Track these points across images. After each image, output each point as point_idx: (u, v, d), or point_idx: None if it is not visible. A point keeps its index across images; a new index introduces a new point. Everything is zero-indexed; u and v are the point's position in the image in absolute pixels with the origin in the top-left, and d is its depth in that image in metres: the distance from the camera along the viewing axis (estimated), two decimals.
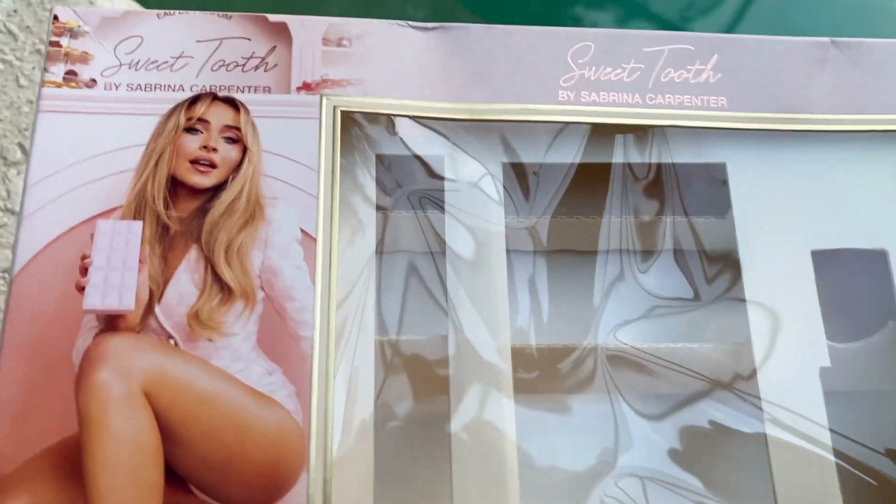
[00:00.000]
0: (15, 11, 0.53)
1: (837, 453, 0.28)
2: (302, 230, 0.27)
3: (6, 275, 0.26)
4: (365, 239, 0.29)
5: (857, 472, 0.28)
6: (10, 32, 0.53)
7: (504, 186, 0.31)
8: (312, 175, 0.28)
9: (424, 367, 0.29)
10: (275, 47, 0.30)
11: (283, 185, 0.28)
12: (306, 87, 0.29)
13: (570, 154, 0.31)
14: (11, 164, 0.50)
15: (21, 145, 0.51)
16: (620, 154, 0.31)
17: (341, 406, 0.27)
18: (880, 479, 0.29)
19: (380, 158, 0.30)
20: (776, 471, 0.28)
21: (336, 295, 0.27)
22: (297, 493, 0.25)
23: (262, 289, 0.26)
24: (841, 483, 0.28)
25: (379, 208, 0.30)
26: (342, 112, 0.29)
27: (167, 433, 0.25)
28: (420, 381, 0.29)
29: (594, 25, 0.57)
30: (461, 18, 0.52)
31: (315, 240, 0.27)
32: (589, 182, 0.31)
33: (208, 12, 0.30)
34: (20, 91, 0.52)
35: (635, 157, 0.31)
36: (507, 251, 0.30)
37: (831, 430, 0.28)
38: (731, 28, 0.55)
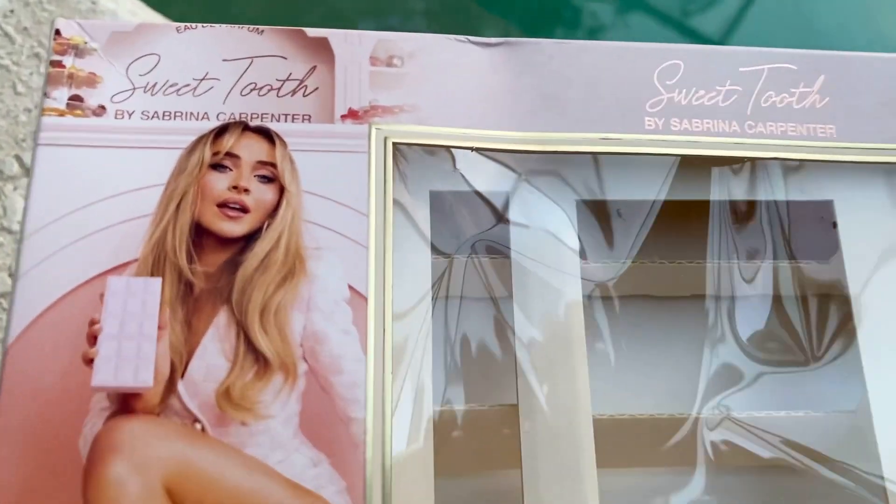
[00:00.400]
0: (11, 12, 0.49)
1: None
2: (350, 287, 0.23)
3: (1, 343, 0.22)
4: (420, 292, 0.25)
5: None
6: (6, 35, 0.48)
7: (578, 226, 0.27)
8: (362, 220, 0.23)
9: (492, 439, 0.24)
10: (314, 67, 0.25)
11: (327, 233, 0.23)
12: (352, 115, 0.25)
13: (654, 190, 0.27)
14: (8, 179, 0.46)
15: (18, 158, 0.47)
16: (717, 190, 0.27)
17: (402, 500, 0.22)
18: None
19: (436, 196, 0.26)
20: None
21: (390, 366, 0.23)
22: None
23: (305, 360, 0.22)
24: None
25: (436, 253, 0.26)
26: (394, 144, 0.25)
27: None
28: (487, 456, 0.24)
29: (593, 16, 0.53)
30: (466, 8, 0.48)
31: (366, 299, 0.23)
32: (677, 222, 0.27)
33: (237, 26, 0.25)
34: (17, 98, 0.48)
35: (731, 193, 0.27)
36: (585, 299, 0.26)
37: None
38: (735, 22, 0.52)
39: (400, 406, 0.23)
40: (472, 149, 0.25)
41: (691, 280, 0.27)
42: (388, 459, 0.22)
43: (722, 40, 0.52)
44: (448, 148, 0.25)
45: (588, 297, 0.27)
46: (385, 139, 0.25)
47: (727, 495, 0.25)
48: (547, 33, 0.49)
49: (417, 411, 0.24)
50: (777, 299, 0.27)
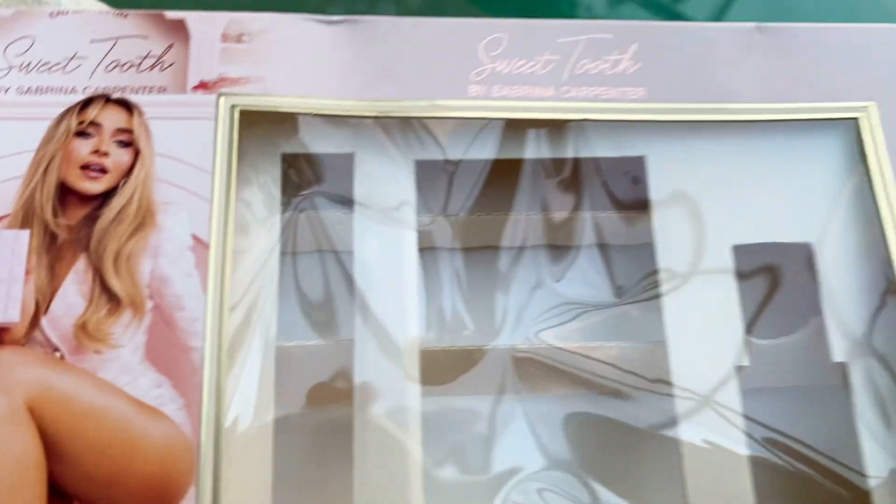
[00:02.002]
0: None
1: (752, 453, 0.28)
2: (195, 236, 0.26)
3: None
4: (267, 242, 0.28)
5: (772, 470, 0.28)
6: None
7: (417, 184, 0.30)
8: (207, 178, 0.27)
9: (328, 372, 0.28)
10: (171, 45, 0.29)
11: (176, 190, 0.27)
12: (203, 86, 0.28)
13: (487, 150, 0.30)
14: None
15: None
16: (533, 149, 0.30)
17: (237, 417, 0.26)
18: (795, 478, 0.28)
19: (286, 158, 0.30)
20: (688, 471, 0.27)
21: (229, 303, 0.26)
22: None
23: (152, 298, 0.26)
24: (754, 483, 0.27)
25: (284, 209, 0.29)
26: (243, 111, 0.28)
27: (51, 450, 0.24)
28: (323, 388, 0.28)
29: (588, 9, 0.56)
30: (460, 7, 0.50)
31: (207, 246, 0.26)
32: (503, 179, 0.30)
33: (104, 11, 0.29)
34: None
35: (550, 152, 0.30)
36: (420, 250, 0.30)
37: (746, 429, 0.28)
38: (725, 8, 0.54)
39: (245, 339, 0.27)
40: (313, 114, 0.29)
41: (520, 231, 0.31)
42: (223, 381, 0.25)
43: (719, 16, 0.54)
44: (292, 114, 0.29)
45: (426, 249, 0.30)
46: (231, 106, 0.28)
47: (536, 415, 0.29)
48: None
49: (258, 344, 0.27)
50: (594, 247, 0.31)
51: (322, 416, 0.28)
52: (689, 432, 0.27)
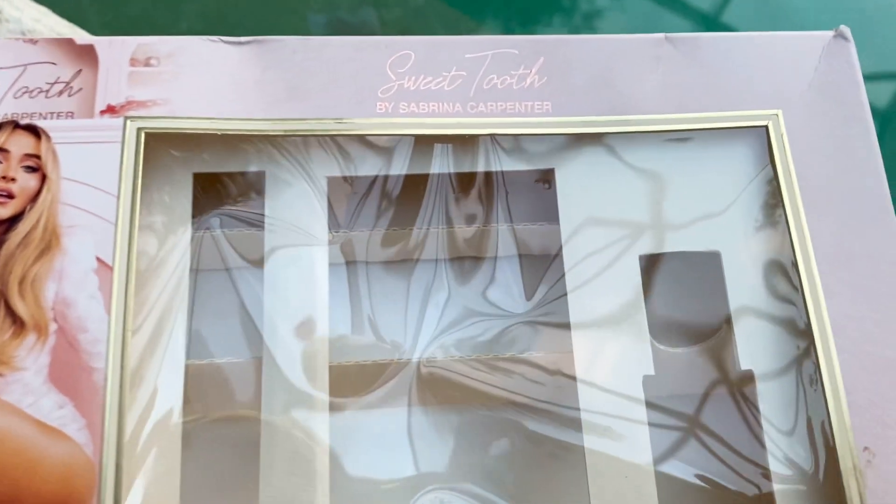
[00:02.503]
0: None
1: (657, 465, 0.28)
2: (99, 259, 0.27)
3: None
4: (177, 262, 0.29)
5: (675, 483, 0.28)
6: None
7: (329, 200, 0.30)
8: (113, 201, 0.28)
9: (237, 389, 0.29)
10: (80, 71, 0.29)
11: (82, 213, 0.27)
12: (110, 110, 0.29)
13: (397, 166, 0.31)
14: None
15: None
16: (442, 165, 0.30)
17: (142, 436, 0.26)
18: (698, 489, 0.28)
19: (197, 178, 0.30)
20: (592, 483, 0.27)
21: (133, 324, 0.27)
22: None
23: (56, 321, 0.26)
24: (659, 494, 0.27)
25: (195, 229, 0.30)
26: (150, 134, 0.29)
27: None
28: (232, 405, 0.28)
29: (590, 1, 0.55)
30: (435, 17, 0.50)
31: (111, 268, 0.27)
32: (414, 194, 0.31)
33: (13, 38, 0.29)
34: None
35: (459, 167, 0.31)
36: (331, 266, 0.30)
37: (652, 439, 0.28)
38: (721, 8, 0.53)
39: (152, 358, 0.28)
40: (218, 131, 0.29)
41: (431, 244, 0.31)
42: (126, 401, 0.26)
43: (717, 14, 0.53)
44: (205, 135, 0.29)
45: (339, 265, 0.31)
46: (138, 129, 0.29)
47: (435, 428, 0.29)
48: (546, 20, 0.50)
49: (166, 364, 0.28)
50: (504, 258, 0.31)
51: (229, 433, 0.28)
52: (594, 443, 0.28)
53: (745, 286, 0.30)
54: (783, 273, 0.30)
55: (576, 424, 0.28)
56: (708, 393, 0.30)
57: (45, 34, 0.43)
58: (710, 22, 0.53)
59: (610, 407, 0.28)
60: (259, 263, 0.30)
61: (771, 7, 0.54)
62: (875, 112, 0.42)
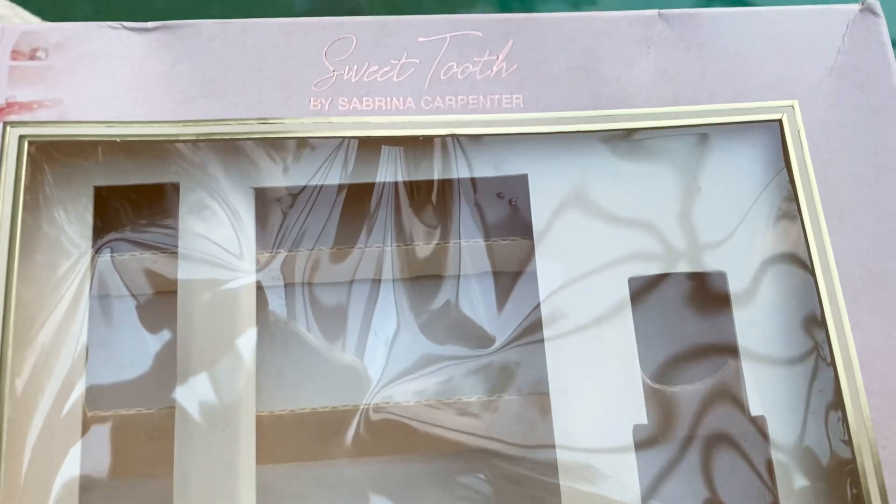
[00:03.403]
0: None
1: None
2: None
3: None
4: (71, 289, 0.24)
5: None
6: None
7: (256, 215, 0.26)
8: None
9: (144, 443, 0.24)
10: None
11: None
12: None
13: (336, 174, 0.26)
14: None
15: None
16: (391, 172, 0.25)
17: (32, 491, 0.22)
18: None
19: (99, 192, 0.25)
20: None
21: (13, 362, 0.22)
22: None
23: None
24: None
25: (96, 251, 0.25)
26: (31, 142, 0.24)
27: None
28: (138, 460, 0.24)
29: None
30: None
31: None
32: (358, 206, 0.26)
33: None
34: None
35: (412, 175, 0.26)
36: (260, 292, 0.25)
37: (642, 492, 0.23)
38: None
39: (44, 398, 0.23)
40: (118, 139, 0.24)
41: (372, 264, 0.26)
42: (6, 450, 0.21)
43: None
44: (107, 142, 0.24)
45: (266, 288, 0.26)
46: (20, 137, 0.24)
47: (391, 483, 0.24)
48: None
49: (65, 407, 0.23)
50: (460, 278, 0.26)
51: (137, 490, 0.24)
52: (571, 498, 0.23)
53: (754, 314, 0.25)
54: (805, 302, 0.25)
55: (552, 486, 0.23)
56: (711, 440, 0.25)
57: None
58: None
59: (595, 463, 0.23)
60: (171, 292, 0.25)
61: None
62: None
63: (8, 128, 0.24)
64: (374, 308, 0.26)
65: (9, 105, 0.24)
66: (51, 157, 0.24)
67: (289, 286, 0.26)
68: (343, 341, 0.25)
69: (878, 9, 0.27)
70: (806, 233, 0.25)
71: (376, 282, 0.26)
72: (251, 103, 0.25)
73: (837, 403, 0.23)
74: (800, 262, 0.25)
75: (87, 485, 0.23)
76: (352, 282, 0.26)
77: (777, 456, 0.24)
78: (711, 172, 0.26)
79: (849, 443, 0.22)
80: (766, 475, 0.24)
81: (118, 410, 0.24)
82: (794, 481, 0.23)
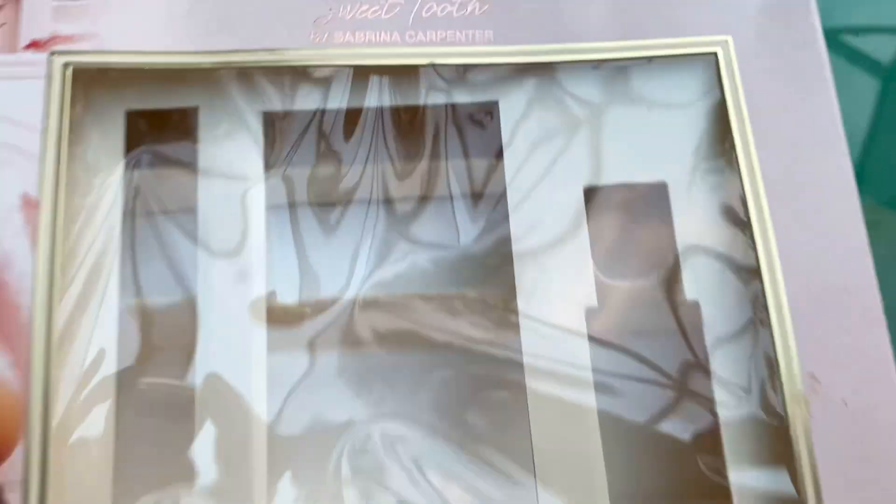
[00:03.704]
0: None
1: (600, 401, 0.27)
2: (25, 196, 0.26)
3: None
4: (110, 201, 0.28)
5: (618, 421, 0.28)
6: None
7: (265, 136, 0.30)
8: (38, 138, 0.27)
9: (172, 331, 0.28)
10: (3, 5, 0.28)
11: (5, 150, 0.27)
12: (35, 45, 0.28)
13: (336, 100, 0.30)
14: None
15: None
16: (376, 97, 0.30)
17: (73, 374, 0.26)
18: (641, 427, 0.28)
19: (130, 115, 0.29)
20: (534, 423, 0.27)
21: (63, 260, 0.26)
22: (13, 462, 0.24)
23: None
24: (602, 433, 0.27)
25: (127, 167, 0.29)
26: (74, 68, 0.28)
27: None
28: (167, 347, 0.28)
29: None
30: None
31: (37, 204, 0.26)
32: (353, 128, 0.30)
33: None
34: None
35: (398, 100, 0.30)
36: (268, 206, 0.29)
37: (594, 375, 0.28)
38: None
39: (85, 298, 0.27)
40: (147, 65, 0.28)
41: (371, 182, 0.30)
42: (55, 338, 0.25)
43: None
44: (137, 70, 0.28)
45: (280, 206, 0.30)
46: (63, 65, 0.28)
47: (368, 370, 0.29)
48: None
49: (104, 302, 0.27)
50: (439, 197, 0.30)
51: (162, 372, 0.28)
52: (536, 382, 0.27)
53: (692, 219, 0.29)
54: (733, 206, 0.29)
55: (517, 362, 0.28)
56: (653, 329, 0.29)
57: None
58: None
59: (552, 344, 0.28)
60: (192, 205, 0.29)
61: None
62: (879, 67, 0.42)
63: (53, 56, 0.28)
64: (365, 222, 0.30)
65: (53, 38, 0.28)
66: (89, 85, 0.29)
67: (292, 205, 0.31)
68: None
69: None
70: (735, 148, 0.29)
71: (364, 200, 0.30)
72: (260, 37, 0.29)
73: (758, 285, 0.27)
74: (732, 171, 0.29)
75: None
76: (348, 201, 0.31)
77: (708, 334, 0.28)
78: (657, 97, 0.30)
79: (766, 313, 0.27)
80: (701, 353, 0.28)
81: (146, 299, 0.28)
82: (719, 344, 0.28)
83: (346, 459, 0.28)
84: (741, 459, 0.26)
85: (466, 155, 0.31)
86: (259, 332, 0.28)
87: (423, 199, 0.31)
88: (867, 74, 0.46)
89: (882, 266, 0.28)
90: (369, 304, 0.28)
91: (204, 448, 0.26)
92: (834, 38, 0.46)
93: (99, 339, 0.27)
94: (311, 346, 0.29)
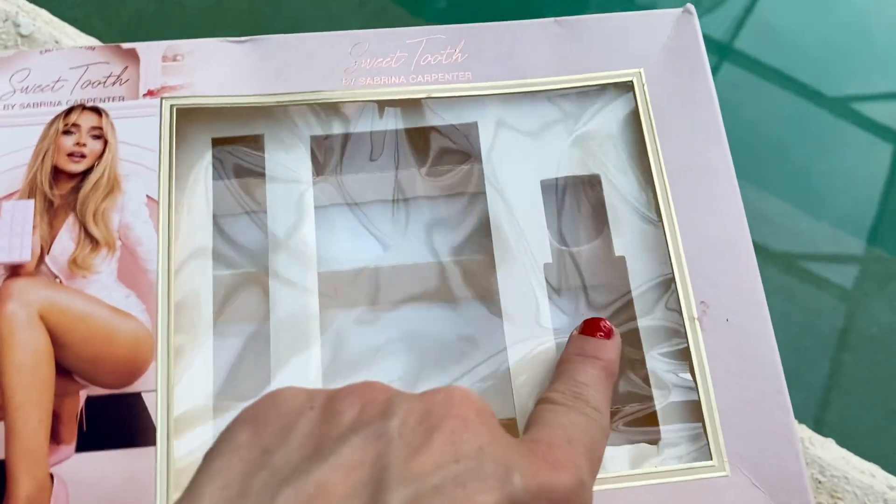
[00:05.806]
0: None
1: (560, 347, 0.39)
2: (148, 196, 0.38)
3: None
4: (204, 202, 0.40)
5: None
6: None
7: (312, 153, 0.41)
8: (155, 156, 0.39)
9: (246, 294, 0.40)
10: (127, 67, 0.40)
11: (134, 166, 0.38)
12: (150, 93, 0.40)
13: (367, 126, 0.42)
14: None
15: None
16: (392, 122, 0.41)
17: (185, 317, 0.37)
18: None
19: (215, 140, 0.41)
20: (514, 372, 0.38)
21: (174, 241, 0.38)
22: (148, 376, 0.36)
23: (120, 239, 0.37)
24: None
25: (215, 177, 0.41)
26: (179, 109, 0.40)
27: (56, 342, 0.36)
28: (238, 305, 0.39)
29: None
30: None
31: (157, 202, 0.38)
32: (376, 146, 0.42)
33: (78, 48, 0.41)
34: None
35: (407, 124, 0.42)
36: (317, 206, 0.41)
37: (553, 325, 0.39)
38: (743, 18, 0.60)
39: (187, 266, 0.39)
40: (227, 105, 0.40)
41: (409, 185, 0.42)
42: (172, 292, 0.37)
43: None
44: (217, 109, 0.40)
45: (322, 205, 0.42)
46: (171, 106, 0.40)
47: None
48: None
49: (202, 269, 0.39)
50: (463, 196, 0.42)
51: (240, 316, 0.39)
52: (512, 341, 0.38)
53: (617, 198, 0.41)
54: (647, 185, 0.40)
55: (496, 322, 0.39)
56: (593, 283, 0.40)
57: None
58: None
59: (521, 304, 0.39)
60: (262, 201, 0.41)
61: None
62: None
63: (163, 100, 0.40)
64: (395, 213, 0.42)
65: (162, 88, 0.40)
66: (186, 120, 0.40)
67: (332, 203, 0.42)
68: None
69: (693, 10, 0.43)
70: (646, 144, 0.40)
71: (399, 201, 0.42)
72: (304, 83, 0.41)
73: (664, 236, 0.39)
74: (644, 161, 0.41)
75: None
76: (384, 201, 0.42)
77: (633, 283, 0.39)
78: (590, 116, 0.42)
79: (670, 263, 0.38)
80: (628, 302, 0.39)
81: (232, 270, 0.40)
82: (645, 295, 0.39)
83: None
84: (654, 351, 0.37)
85: (455, 161, 0.42)
86: (314, 292, 0.39)
87: (426, 197, 0.42)
88: (881, 140, 0.57)
89: None
90: (391, 268, 0.40)
91: (277, 372, 0.37)
92: (846, 105, 0.55)
93: (202, 293, 0.38)
94: (353, 303, 0.40)
